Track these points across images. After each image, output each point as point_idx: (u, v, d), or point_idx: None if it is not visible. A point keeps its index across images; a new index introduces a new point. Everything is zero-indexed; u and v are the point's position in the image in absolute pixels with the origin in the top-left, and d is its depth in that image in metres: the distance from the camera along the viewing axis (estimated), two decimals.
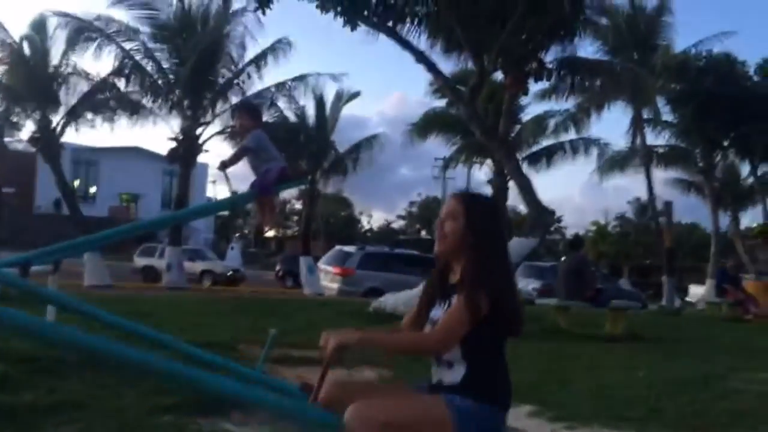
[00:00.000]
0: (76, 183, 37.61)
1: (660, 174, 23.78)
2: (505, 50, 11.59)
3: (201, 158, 19.97)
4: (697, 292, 24.28)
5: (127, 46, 17.76)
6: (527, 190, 10.98)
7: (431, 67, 11.78)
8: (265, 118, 19.48)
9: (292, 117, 20.47)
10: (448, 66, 13.90)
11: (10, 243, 20.63)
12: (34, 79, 17.44)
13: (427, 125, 21.03)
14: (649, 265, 39.73)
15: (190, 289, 16.86)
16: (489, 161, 19.57)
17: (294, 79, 19.52)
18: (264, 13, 11.54)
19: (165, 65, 18.20)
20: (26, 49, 17.93)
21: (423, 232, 53.26)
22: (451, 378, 2.23)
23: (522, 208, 24.62)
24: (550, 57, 13.22)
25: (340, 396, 2.20)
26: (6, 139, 21.72)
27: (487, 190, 17.49)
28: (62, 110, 18.11)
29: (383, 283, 15.77)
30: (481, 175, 47.38)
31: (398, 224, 54.71)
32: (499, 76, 13.49)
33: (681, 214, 43.85)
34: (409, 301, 9.77)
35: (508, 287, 2.27)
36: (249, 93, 18.96)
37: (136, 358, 2.20)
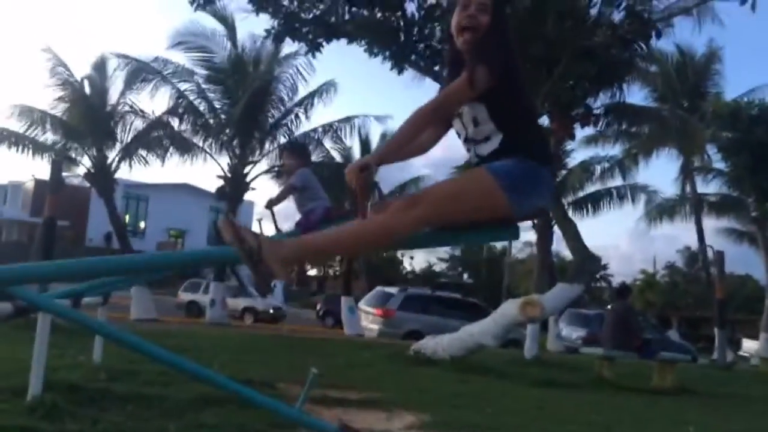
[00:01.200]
0: (127, 218, 38.61)
1: (711, 223, 23.26)
2: (553, 96, 11.61)
3: (248, 196, 20.35)
4: (750, 346, 23.34)
5: (182, 86, 18.45)
6: (573, 236, 10.85)
7: None
8: (311, 158, 19.92)
9: (338, 157, 20.78)
10: None
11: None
12: (92, 116, 18.15)
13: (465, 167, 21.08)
14: (699, 317, 38.43)
15: (231, 326, 16.98)
16: None
17: (340, 121, 19.91)
18: (314, 56, 11.92)
19: (217, 105, 18.79)
20: (87, 88, 18.70)
21: (465, 276, 52.72)
22: (489, 149, 2.21)
23: (567, 254, 24.25)
24: (597, 103, 13.20)
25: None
26: (63, 174, 22.55)
27: (531, 235, 17.26)
28: (117, 147, 18.77)
29: (424, 326, 15.64)
30: None
31: (440, 266, 54.36)
32: (545, 121, 13.51)
33: (733, 264, 42.47)
34: (450, 345, 9.65)
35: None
36: (297, 133, 19.41)
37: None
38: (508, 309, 9.71)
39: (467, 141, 2.30)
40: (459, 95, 2.17)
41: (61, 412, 4.19)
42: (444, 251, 52.01)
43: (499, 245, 43.35)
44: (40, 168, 34.07)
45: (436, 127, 2.38)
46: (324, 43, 11.58)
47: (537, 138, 2.26)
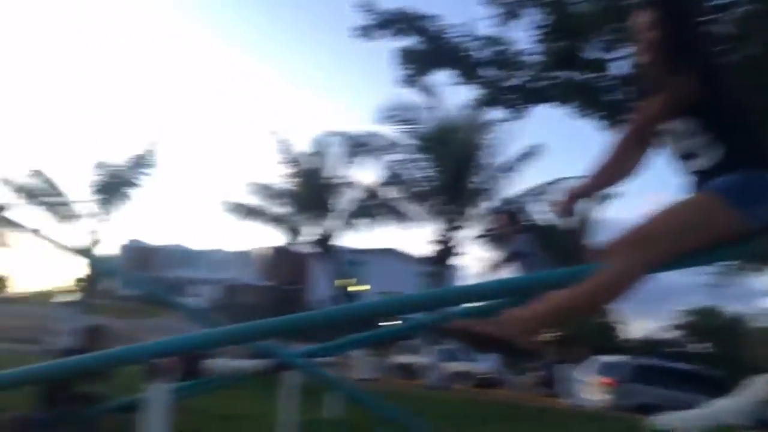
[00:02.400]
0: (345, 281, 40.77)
1: None
2: None
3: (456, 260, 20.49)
4: None
5: (393, 157, 19.44)
6: None
7: None
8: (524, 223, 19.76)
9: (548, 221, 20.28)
10: None
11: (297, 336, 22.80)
12: (314, 189, 19.75)
13: None
14: None
15: (449, 389, 16.82)
16: None
17: (549, 183, 19.50)
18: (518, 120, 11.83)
19: (425, 173, 19.42)
20: (310, 164, 20.47)
21: (695, 344, 47.68)
22: (708, 162, 2.08)
23: None
24: None
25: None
26: (290, 242, 24.60)
27: None
28: (335, 215, 20.16)
29: (656, 399, 14.22)
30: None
31: (661, 335, 49.83)
32: None
33: None
34: (693, 421, 8.61)
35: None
36: (504, 197, 19.34)
37: None
38: (758, 385, 8.53)
39: (683, 158, 2.20)
40: (662, 111, 2.12)
41: None
42: (666, 317, 47.89)
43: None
44: (269, 237, 37.68)
45: (637, 149, 2.35)
46: (528, 108, 11.51)
47: (756, 143, 2.11)
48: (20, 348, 13.44)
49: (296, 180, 20.52)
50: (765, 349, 38.11)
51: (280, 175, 20.70)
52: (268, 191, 20.76)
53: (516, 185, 19.79)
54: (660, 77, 2.15)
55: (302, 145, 21.65)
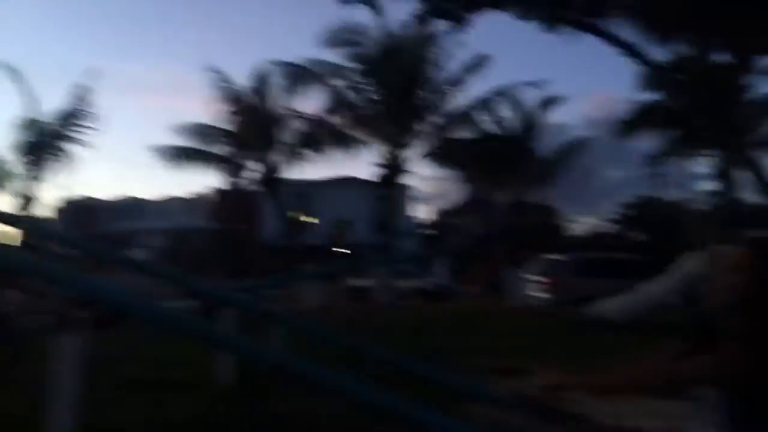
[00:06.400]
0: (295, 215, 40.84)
1: None
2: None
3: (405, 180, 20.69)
4: None
5: (337, 84, 19.11)
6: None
7: (642, 58, 11.13)
8: (467, 134, 19.83)
9: (496, 131, 20.55)
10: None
11: (244, 274, 22.90)
12: (257, 124, 19.40)
13: (635, 122, 19.81)
14: None
15: (401, 307, 17.38)
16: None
17: (496, 93, 19.58)
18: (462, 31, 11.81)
19: (372, 97, 19.23)
20: (251, 99, 19.99)
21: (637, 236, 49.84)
22: None
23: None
24: None
25: None
26: (233, 180, 24.37)
27: (707, 185, 15.94)
28: (280, 149, 19.93)
29: (598, 292, 14.98)
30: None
31: (603, 229, 51.88)
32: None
33: None
34: (625, 306, 9.15)
35: None
36: (450, 111, 19.39)
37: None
38: (688, 262, 9.02)
39: None
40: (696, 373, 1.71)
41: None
42: (611, 212, 49.67)
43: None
44: (212, 179, 37.13)
45: None
46: (470, 16, 11.49)
47: None
48: None
49: (237, 116, 20.03)
50: (700, 230, 40.14)
51: (218, 112, 20.16)
52: (207, 131, 20.24)
53: (463, 97, 19.74)
54: (727, 331, 1.64)
55: (240, 78, 20.93)
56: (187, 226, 41.32)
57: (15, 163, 19.79)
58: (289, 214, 22.12)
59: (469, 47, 24.04)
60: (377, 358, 3.81)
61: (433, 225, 45.62)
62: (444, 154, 20.03)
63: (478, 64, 19.06)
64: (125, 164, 76.67)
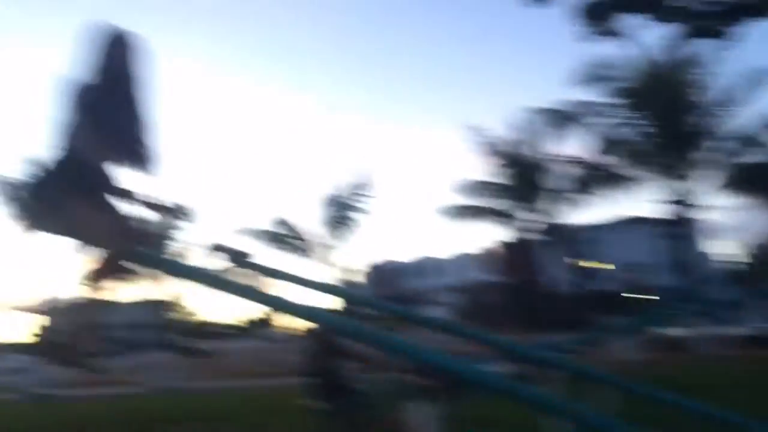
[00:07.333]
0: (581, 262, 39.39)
1: None
2: None
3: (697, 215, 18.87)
4: None
5: (601, 122, 18.45)
6: None
7: None
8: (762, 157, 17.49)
9: None
10: None
11: (536, 327, 22.54)
12: (526, 175, 19.44)
13: None
14: None
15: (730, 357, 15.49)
16: None
17: None
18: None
19: (641, 131, 18.20)
20: (516, 150, 20.18)
21: None
22: None
23: None
24: None
25: None
26: (514, 231, 24.45)
27: None
28: (554, 197, 19.58)
29: None
30: None
31: None
32: None
33: None
34: None
35: None
36: (733, 134, 17.46)
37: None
38: None
39: None
40: None
41: None
42: None
43: None
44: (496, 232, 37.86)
45: None
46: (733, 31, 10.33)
47: None
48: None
49: (506, 169, 20.32)
50: None
51: (484, 169, 20.65)
52: (482, 186, 20.83)
53: (746, 117, 17.64)
54: None
55: (501, 130, 21.31)
56: (476, 281, 42.30)
57: (325, 235, 22.40)
58: (575, 260, 21.42)
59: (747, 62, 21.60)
60: (723, 421, 3.39)
61: (740, 261, 40.51)
62: (738, 181, 17.86)
63: (756, 79, 16.91)
64: (420, 225, 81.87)
